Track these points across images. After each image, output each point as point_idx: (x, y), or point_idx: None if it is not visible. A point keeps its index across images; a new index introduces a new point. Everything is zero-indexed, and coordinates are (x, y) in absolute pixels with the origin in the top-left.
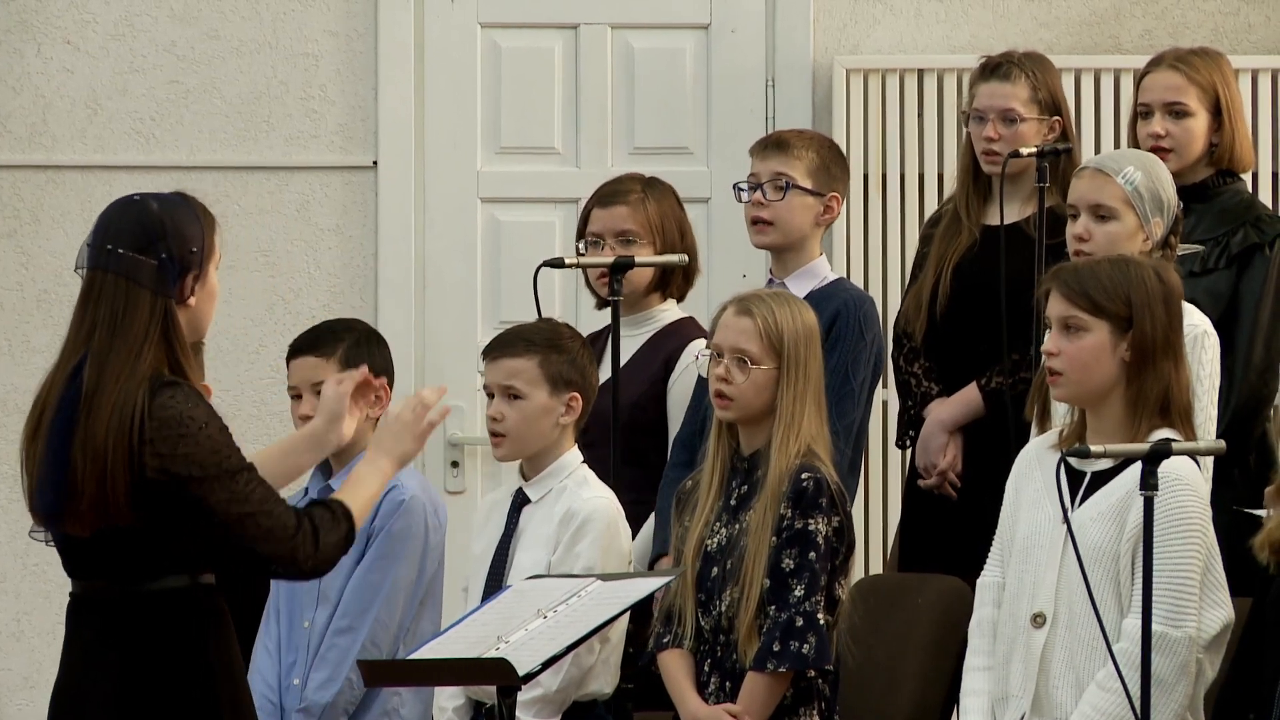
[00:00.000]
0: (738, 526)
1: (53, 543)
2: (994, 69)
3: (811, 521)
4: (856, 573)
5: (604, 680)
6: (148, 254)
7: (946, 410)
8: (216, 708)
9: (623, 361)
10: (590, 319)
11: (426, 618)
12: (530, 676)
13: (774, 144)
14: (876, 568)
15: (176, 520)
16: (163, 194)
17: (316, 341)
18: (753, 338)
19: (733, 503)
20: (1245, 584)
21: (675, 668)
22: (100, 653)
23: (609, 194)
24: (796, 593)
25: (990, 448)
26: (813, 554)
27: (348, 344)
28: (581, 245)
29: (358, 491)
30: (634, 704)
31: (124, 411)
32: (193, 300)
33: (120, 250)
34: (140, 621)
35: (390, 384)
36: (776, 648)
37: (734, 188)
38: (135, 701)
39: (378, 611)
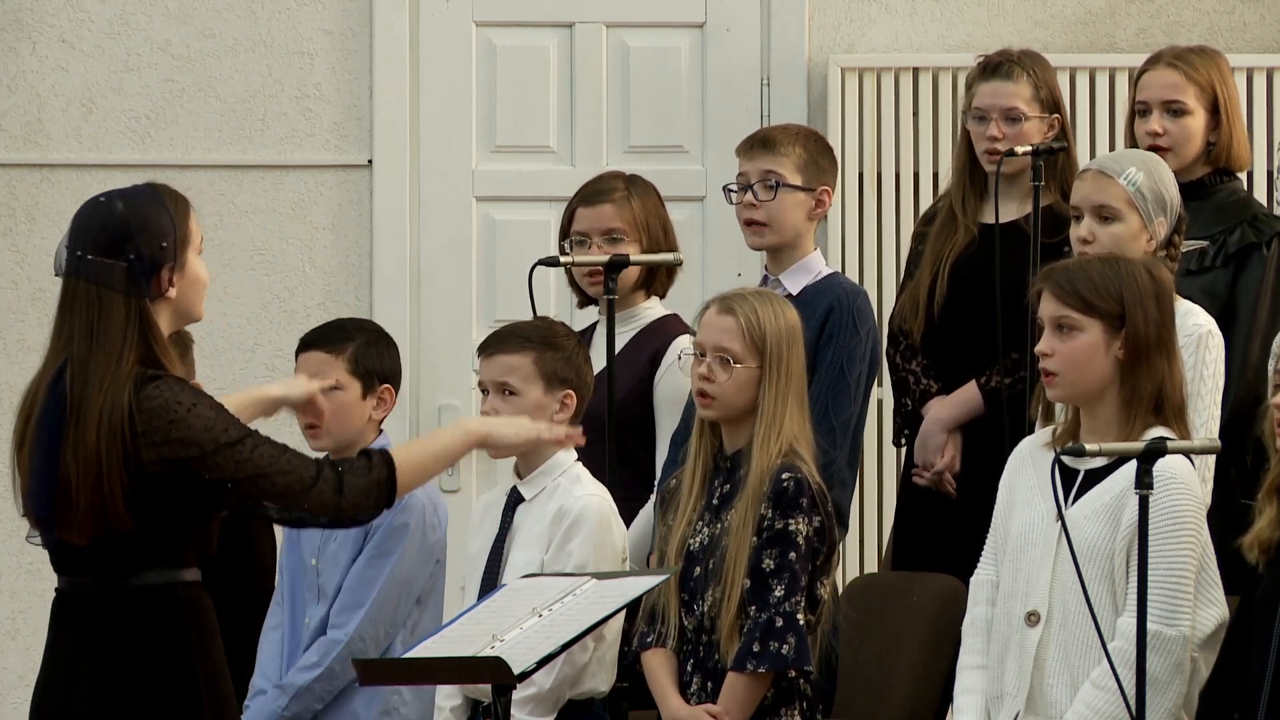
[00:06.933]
0: (720, 526)
1: (45, 544)
2: (995, 68)
3: (792, 522)
4: (851, 571)
5: (600, 679)
6: (117, 257)
7: (946, 409)
8: (198, 704)
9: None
10: (581, 317)
11: (428, 617)
12: (526, 675)
13: (760, 143)
14: (871, 566)
15: (178, 514)
16: (130, 189)
17: (327, 337)
18: (735, 336)
19: (715, 502)
20: (1242, 582)
21: (657, 667)
22: (83, 649)
23: (593, 193)
24: (776, 593)
25: (988, 447)
26: (793, 554)
27: (358, 343)
28: (566, 244)
29: (419, 443)
30: (630, 703)
31: (113, 416)
32: (173, 292)
33: (90, 256)
34: (123, 617)
35: (397, 387)
36: (756, 648)
37: (724, 189)
38: (117, 697)
39: (369, 607)
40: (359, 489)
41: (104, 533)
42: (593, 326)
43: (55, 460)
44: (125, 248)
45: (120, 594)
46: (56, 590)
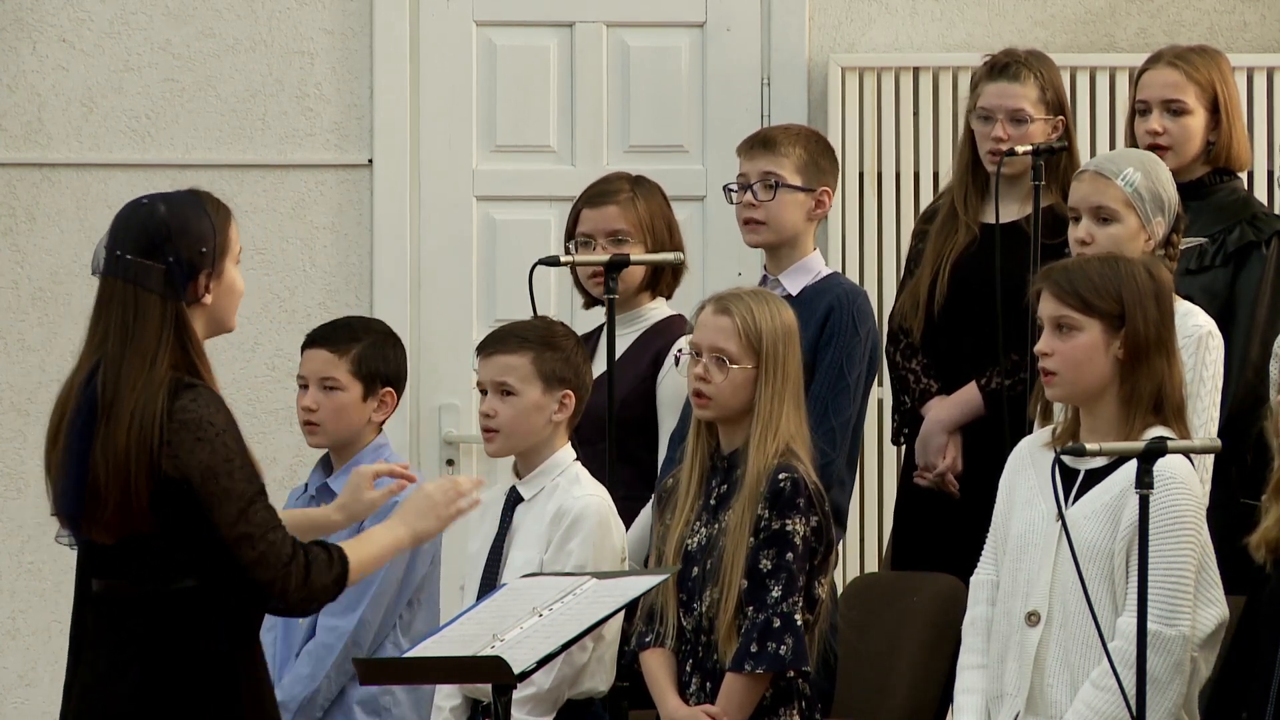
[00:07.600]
0: (717, 526)
1: (75, 544)
2: (1002, 69)
3: (789, 522)
4: (851, 571)
5: (600, 679)
6: (155, 258)
7: (946, 410)
8: (239, 707)
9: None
10: (585, 317)
11: (422, 618)
12: (526, 674)
13: (760, 143)
14: (871, 565)
15: (194, 522)
16: (173, 193)
17: (333, 336)
18: (731, 337)
19: (712, 502)
20: (1243, 582)
21: (656, 667)
22: (123, 652)
23: (598, 194)
24: (774, 594)
25: (989, 447)
26: (790, 554)
27: (364, 345)
28: (571, 246)
29: (364, 547)
30: (630, 702)
31: (144, 418)
32: (209, 298)
33: (128, 256)
34: (162, 621)
35: (400, 390)
36: (754, 649)
37: (724, 189)
38: (158, 700)
39: (363, 611)
40: (320, 585)
41: (130, 534)
42: (600, 328)
43: (85, 459)
44: (165, 250)
45: (157, 597)
46: (93, 594)
